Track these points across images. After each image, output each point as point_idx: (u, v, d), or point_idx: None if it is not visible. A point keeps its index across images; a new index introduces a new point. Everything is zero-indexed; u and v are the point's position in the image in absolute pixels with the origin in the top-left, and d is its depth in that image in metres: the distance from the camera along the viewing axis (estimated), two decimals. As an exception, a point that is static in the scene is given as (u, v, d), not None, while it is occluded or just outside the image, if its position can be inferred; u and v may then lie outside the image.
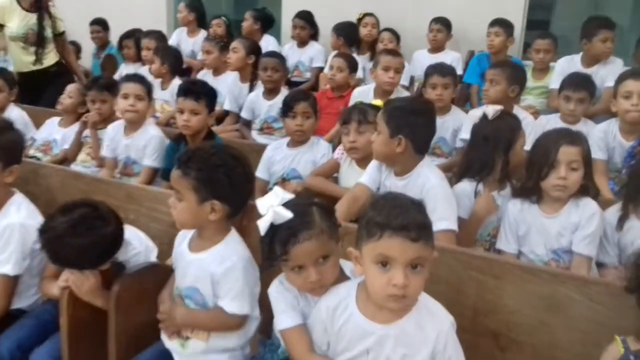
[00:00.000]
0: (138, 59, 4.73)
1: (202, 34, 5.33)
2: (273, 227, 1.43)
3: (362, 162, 2.49)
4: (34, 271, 1.96)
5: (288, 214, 1.41)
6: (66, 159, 3.43)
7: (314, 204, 1.48)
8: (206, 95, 2.85)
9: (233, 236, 1.68)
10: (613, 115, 2.94)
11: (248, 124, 3.80)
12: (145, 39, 4.42)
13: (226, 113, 4.05)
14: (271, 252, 1.44)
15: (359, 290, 1.40)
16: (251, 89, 4.00)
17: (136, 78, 3.10)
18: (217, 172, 1.58)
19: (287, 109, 2.81)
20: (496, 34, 4.22)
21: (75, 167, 3.35)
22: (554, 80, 3.93)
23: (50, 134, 3.54)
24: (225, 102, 4.02)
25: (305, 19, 5.00)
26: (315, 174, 2.60)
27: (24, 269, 1.91)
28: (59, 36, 4.37)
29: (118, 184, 2.25)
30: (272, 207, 1.41)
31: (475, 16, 4.65)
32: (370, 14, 4.84)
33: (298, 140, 2.83)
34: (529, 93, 4.15)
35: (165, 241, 2.03)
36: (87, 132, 3.39)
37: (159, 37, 4.51)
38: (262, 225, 1.43)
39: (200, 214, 1.59)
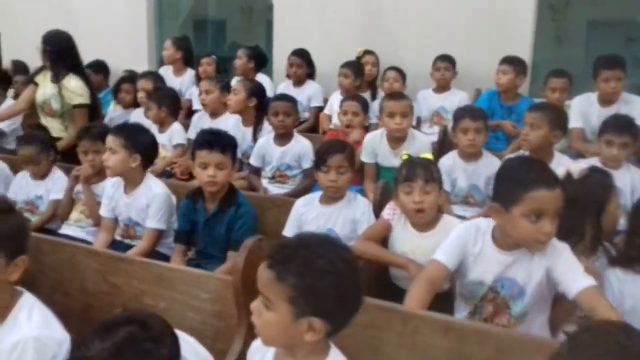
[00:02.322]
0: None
1: (189, 72, 5.07)
2: None
3: (419, 223, 2.21)
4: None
5: None
6: (54, 214, 3.02)
7: None
8: (231, 147, 2.54)
9: (335, 357, 1.30)
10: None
11: (257, 171, 3.47)
12: (141, 80, 4.08)
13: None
14: None
15: None
16: (255, 133, 3.70)
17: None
18: (324, 280, 1.19)
19: (319, 162, 2.51)
20: (503, 72, 4.06)
21: (68, 227, 2.96)
22: (572, 120, 3.78)
23: (30, 192, 3.13)
24: (226, 148, 3.68)
25: (303, 56, 4.76)
26: (365, 238, 2.29)
27: None
28: None
29: (144, 263, 1.86)
30: None
31: (480, 53, 4.53)
32: (371, 52, 4.66)
33: (332, 196, 2.53)
34: (542, 132, 4.00)
35: (207, 335, 1.67)
36: (78, 187, 3.00)
37: (156, 78, 4.17)
38: None
39: (294, 332, 1.22)
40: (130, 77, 4.52)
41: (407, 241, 2.23)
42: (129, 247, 2.66)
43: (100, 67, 5.28)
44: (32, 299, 1.49)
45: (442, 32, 4.67)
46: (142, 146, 2.65)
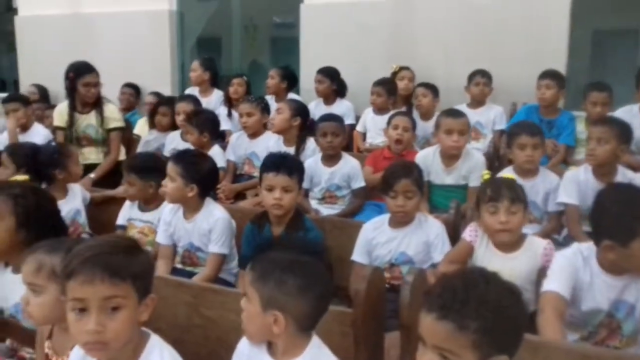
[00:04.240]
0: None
1: (216, 93, 5.01)
2: None
3: (504, 246, 2.16)
4: None
5: None
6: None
7: None
8: (298, 170, 2.49)
9: None
10: None
11: (305, 193, 3.41)
12: (181, 103, 4.02)
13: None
14: None
15: None
16: (297, 153, 3.64)
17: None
18: (503, 316, 1.13)
19: (386, 187, 2.45)
20: (547, 87, 4.03)
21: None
22: (616, 134, 3.75)
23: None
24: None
25: (328, 74, 4.73)
26: (449, 261, 2.23)
27: None
28: None
29: (240, 295, 1.78)
30: None
31: (514, 67, 4.51)
32: (407, 68, 4.64)
33: (401, 221, 2.48)
34: (584, 146, 3.96)
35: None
36: (133, 214, 2.94)
37: (194, 101, 4.13)
38: None
39: None
40: (167, 100, 4.48)
41: (491, 263, 2.17)
42: (191, 274, 2.59)
43: (136, 88, 5.34)
44: (160, 340, 1.42)
45: (474, 47, 4.65)
46: (200, 176, 2.59)
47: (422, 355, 1.17)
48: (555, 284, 1.79)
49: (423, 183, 2.52)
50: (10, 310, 1.85)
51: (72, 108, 3.95)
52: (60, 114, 4.02)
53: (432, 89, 4.46)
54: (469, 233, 2.26)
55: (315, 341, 1.44)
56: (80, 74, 3.90)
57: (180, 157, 2.66)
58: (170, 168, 2.59)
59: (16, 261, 1.79)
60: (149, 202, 2.92)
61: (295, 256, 1.44)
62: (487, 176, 2.27)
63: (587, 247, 1.83)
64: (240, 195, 3.73)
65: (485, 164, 3.22)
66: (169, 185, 2.58)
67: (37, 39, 6.36)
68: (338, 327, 1.58)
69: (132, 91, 5.66)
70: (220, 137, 4.26)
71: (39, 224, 1.82)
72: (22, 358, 1.82)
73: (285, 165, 2.44)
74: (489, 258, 2.18)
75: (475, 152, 3.35)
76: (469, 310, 1.11)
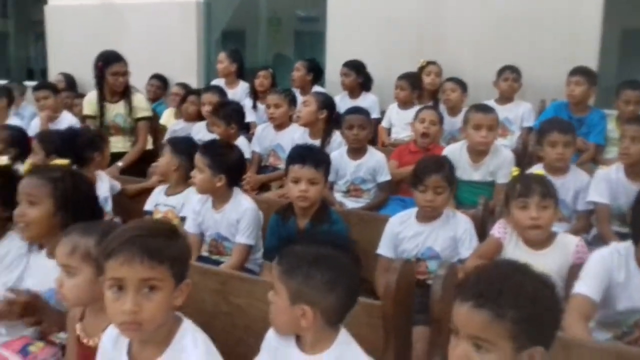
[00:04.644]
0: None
1: (241, 85, 5.04)
2: None
3: (535, 242, 2.12)
4: None
5: None
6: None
7: None
8: (324, 162, 2.48)
9: None
10: None
11: (330, 186, 3.41)
12: (207, 94, 4.05)
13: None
14: None
15: None
16: (323, 146, 3.64)
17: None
18: (539, 307, 1.12)
19: (416, 181, 2.43)
20: (577, 84, 3.96)
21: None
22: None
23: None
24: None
25: (354, 67, 4.70)
26: (478, 257, 2.21)
27: None
28: None
29: (268, 284, 1.78)
30: None
31: (543, 63, 4.44)
32: (434, 62, 4.59)
33: (428, 216, 2.46)
34: (614, 145, 3.89)
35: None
36: (160, 199, 2.97)
37: (220, 92, 4.15)
38: None
39: None
40: (197, 90, 4.52)
41: (520, 260, 2.14)
42: (217, 263, 2.60)
43: (162, 80, 5.41)
44: (193, 325, 1.43)
45: (503, 42, 4.59)
46: (228, 166, 2.60)
47: (455, 347, 1.16)
48: (586, 286, 1.77)
49: (454, 179, 2.49)
50: (44, 295, 1.88)
51: (102, 97, 4.00)
52: (89, 103, 4.07)
53: (461, 84, 4.40)
54: (498, 230, 2.24)
55: (343, 334, 1.43)
56: (108, 63, 3.95)
57: (208, 148, 2.68)
58: (198, 159, 2.60)
59: (51, 244, 1.81)
60: (180, 185, 2.93)
61: (323, 250, 1.42)
62: (515, 173, 2.24)
63: (624, 247, 1.80)
64: (264, 187, 3.74)
65: (514, 161, 3.17)
66: (198, 176, 2.60)
67: (66, 29, 6.46)
68: (366, 319, 1.58)
69: (159, 83, 5.73)
70: (245, 129, 4.28)
71: (77, 208, 1.83)
72: (51, 342, 1.85)
73: (312, 157, 2.44)
74: (518, 255, 2.14)
75: (504, 149, 3.30)
76: (507, 299, 1.11)
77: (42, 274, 1.86)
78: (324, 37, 5.43)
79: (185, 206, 2.82)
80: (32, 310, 1.76)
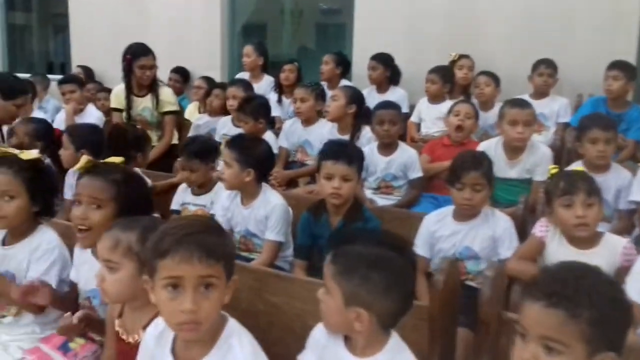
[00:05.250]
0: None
1: (266, 79, 4.98)
2: None
3: (580, 240, 2.02)
4: None
5: None
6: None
7: None
8: (358, 158, 2.40)
9: None
10: None
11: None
12: (232, 88, 3.99)
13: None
14: None
15: None
16: (352, 142, 3.55)
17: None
18: (614, 308, 1.06)
19: (453, 179, 2.34)
20: (615, 78, 3.82)
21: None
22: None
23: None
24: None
25: (382, 60, 4.60)
26: (519, 257, 2.12)
27: None
28: None
29: (307, 282, 1.71)
30: None
31: (579, 57, 4.29)
32: (466, 56, 4.48)
33: (466, 214, 2.36)
34: (654, 141, 3.75)
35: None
36: (187, 198, 2.92)
37: (246, 86, 4.08)
38: None
39: None
40: (222, 84, 4.46)
41: (565, 259, 2.05)
42: (248, 259, 2.54)
43: (183, 73, 5.32)
44: (238, 324, 1.38)
45: (538, 36, 4.45)
46: (256, 160, 2.53)
47: (523, 350, 1.09)
48: (636, 293, 1.68)
49: (493, 176, 2.40)
50: (88, 294, 1.84)
51: (129, 90, 3.96)
52: (117, 96, 4.04)
53: (495, 78, 4.26)
54: (539, 229, 2.14)
55: (395, 340, 1.37)
56: (136, 56, 3.91)
57: (235, 142, 2.61)
58: (226, 154, 2.54)
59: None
60: (205, 185, 2.89)
61: (380, 251, 1.34)
62: (554, 171, 2.14)
63: None
64: (292, 183, 3.67)
65: (552, 158, 3.06)
66: (226, 171, 2.54)
67: (89, 21, 6.44)
68: (411, 320, 1.50)
69: (179, 77, 5.64)
70: (271, 124, 4.22)
71: (134, 211, 1.74)
72: (92, 339, 1.82)
73: (345, 153, 2.36)
74: (563, 254, 2.04)
75: (541, 145, 3.18)
76: (582, 298, 1.04)
77: (90, 272, 1.79)
78: (347, 29, 5.33)
79: (215, 204, 2.77)
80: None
